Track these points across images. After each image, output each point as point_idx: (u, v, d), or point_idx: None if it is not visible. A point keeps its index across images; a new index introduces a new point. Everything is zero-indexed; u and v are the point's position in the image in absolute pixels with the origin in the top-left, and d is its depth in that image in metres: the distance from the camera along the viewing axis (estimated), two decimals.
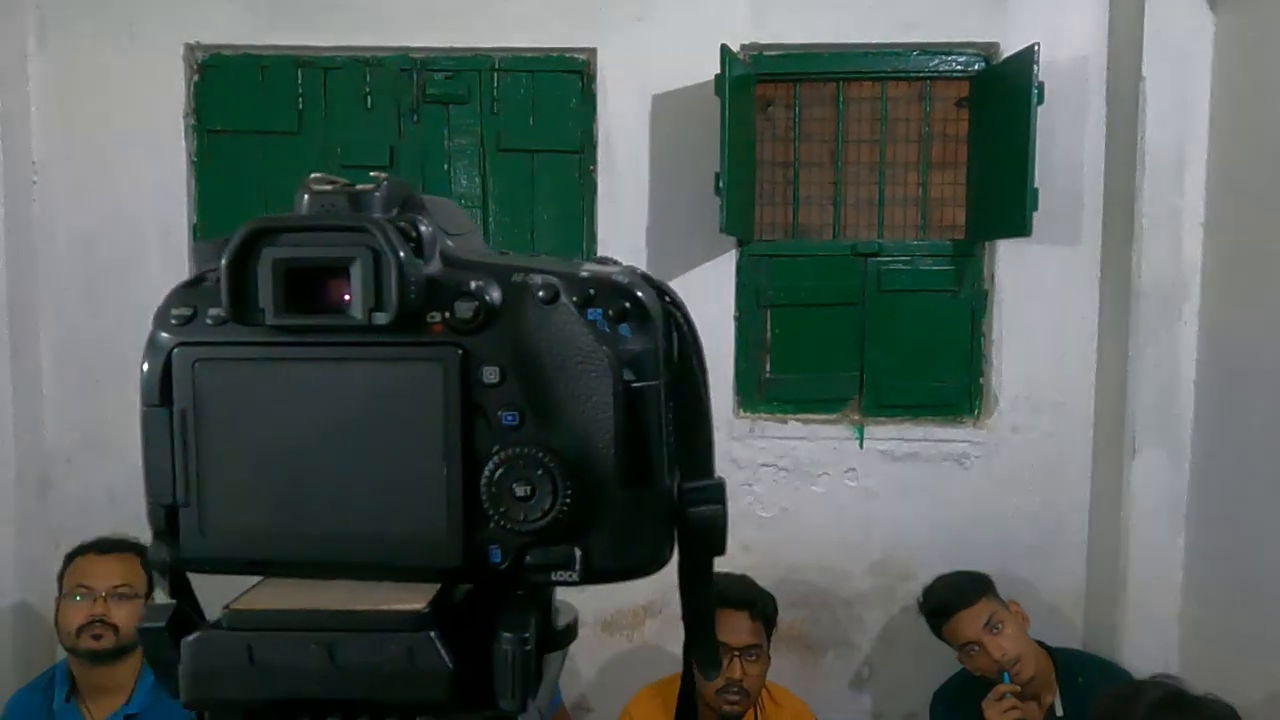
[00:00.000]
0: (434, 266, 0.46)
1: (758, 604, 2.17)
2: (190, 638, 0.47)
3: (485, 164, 2.71)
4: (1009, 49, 2.55)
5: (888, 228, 2.73)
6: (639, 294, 0.47)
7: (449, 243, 0.47)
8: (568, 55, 2.68)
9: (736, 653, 2.09)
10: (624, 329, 0.46)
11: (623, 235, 2.65)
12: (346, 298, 0.45)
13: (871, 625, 2.71)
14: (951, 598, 2.23)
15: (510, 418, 0.46)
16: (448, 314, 0.45)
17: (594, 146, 2.67)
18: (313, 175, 0.47)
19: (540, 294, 0.46)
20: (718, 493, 0.50)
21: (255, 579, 0.50)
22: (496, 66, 2.68)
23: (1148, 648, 2.47)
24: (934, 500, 2.66)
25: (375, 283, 0.44)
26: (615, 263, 0.49)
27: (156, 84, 2.66)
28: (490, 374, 0.45)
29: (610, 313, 0.46)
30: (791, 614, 2.65)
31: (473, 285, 0.46)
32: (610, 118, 2.65)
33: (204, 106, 2.70)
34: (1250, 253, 2.30)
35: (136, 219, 2.69)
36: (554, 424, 0.46)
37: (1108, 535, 2.58)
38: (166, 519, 0.48)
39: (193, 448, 0.47)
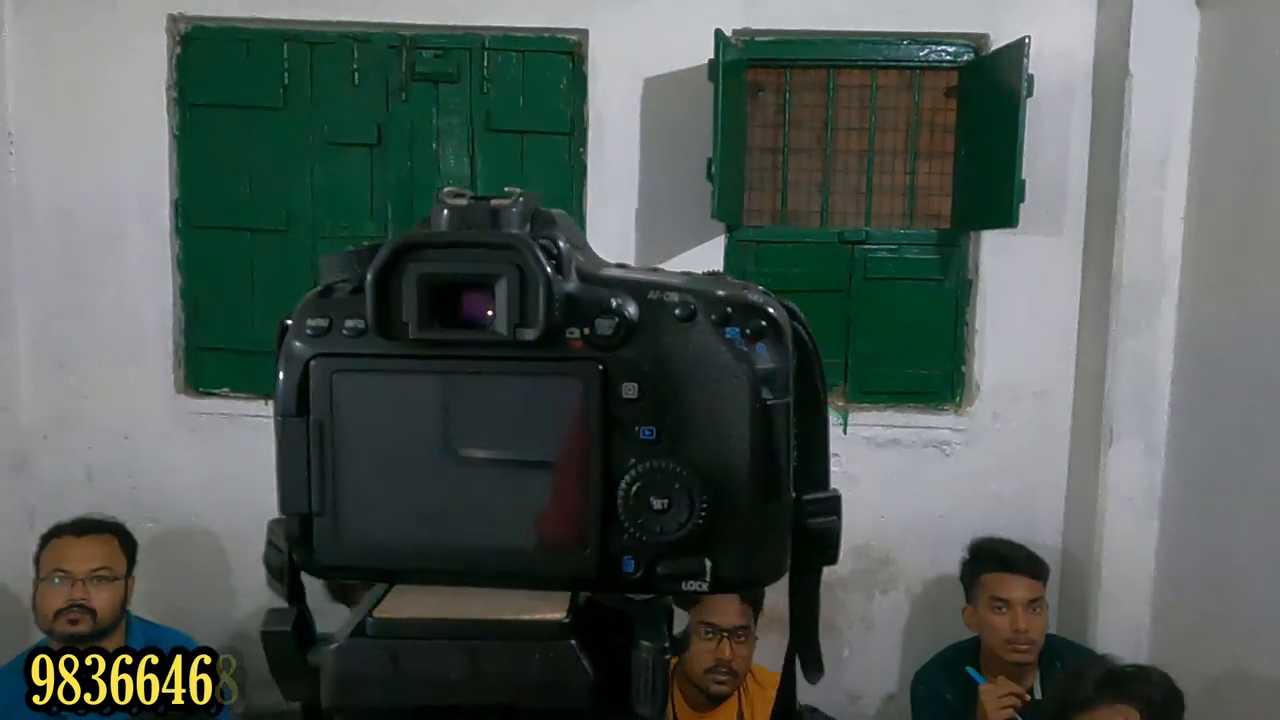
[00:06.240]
0: (572, 283, 0.47)
1: None
2: (334, 645, 0.48)
3: (474, 144, 2.69)
4: (998, 41, 2.57)
5: (874, 216, 2.75)
6: (773, 312, 0.48)
7: (579, 258, 0.48)
8: (559, 36, 2.66)
9: (725, 634, 2.12)
10: (761, 347, 0.47)
11: (612, 218, 2.64)
12: (490, 313, 0.46)
13: (852, 608, 2.75)
14: (1019, 559, 2.28)
15: (648, 432, 0.46)
16: (587, 330, 0.46)
17: (584, 129, 2.66)
18: (446, 189, 0.48)
19: (677, 312, 0.47)
20: (835, 505, 0.52)
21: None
22: (487, 45, 2.66)
23: (1120, 631, 2.53)
24: (915, 486, 2.70)
25: (520, 299, 0.45)
26: (726, 277, 0.50)
27: (138, 55, 2.61)
28: (629, 390, 0.46)
29: (748, 331, 0.47)
30: (774, 597, 2.68)
31: (613, 303, 0.46)
32: (601, 100, 2.64)
33: (186, 80, 2.65)
34: (1229, 248, 2.35)
35: (116, 194, 2.64)
36: (690, 439, 0.47)
37: (1083, 522, 2.63)
38: (301, 528, 0.48)
39: (330, 458, 0.47)
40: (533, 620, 0.47)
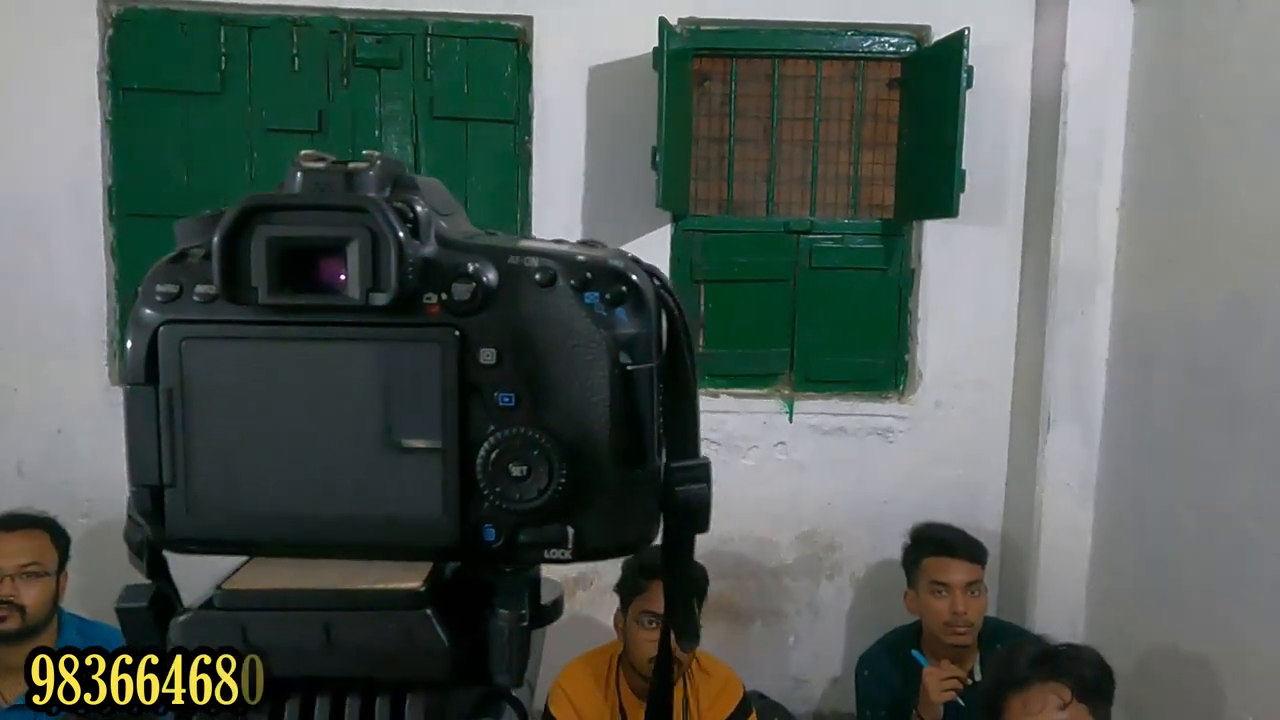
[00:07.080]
0: (430, 247, 0.46)
1: None
2: (181, 618, 0.47)
3: (417, 131, 2.66)
4: (940, 33, 2.60)
5: (819, 206, 2.77)
6: (634, 278, 0.47)
7: (442, 223, 0.47)
8: (503, 23, 2.64)
9: None
10: (620, 313, 0.47)
11: (557, 207, 2.63)
12: (341, 277, 0.45)
13: (798, 594, 2.78)
14: (958, 543, 2.30)
15: (507, 399, 0.46)
16: (444, 295, 0.45)
17: (529, 117, 2.65)
18: (304, 152, 0.46)
19: (537, 276, 0.46)
20: (704, 472, 0.51)
21: (236, 559, 0.49)
22: (430, 32, 2.63)
23: (1057, 612, 2.59)
24: (859, 473, 2.74)
25: (373, 263, 0.44)
26: (601, 245, 0.49)
27: (68, 37, 2.53)
28: (487, 355, 0.46)
29: (607, 296, 0.47)
30: (721, 584, 2.70)
31: (470, 267, 0.46)
32: (546, 88, 2.63)
33: (119, 63, 2.58)
34: (1162, 238, 2.41)
35: (46, 180, 2.56)
36: (550, 405, 0.46)
37: (1022, 507, 2.69)
38: (152, 500, 0.47)
39: (180, 428, 0.46)
40: (388, 590, 0.47)
